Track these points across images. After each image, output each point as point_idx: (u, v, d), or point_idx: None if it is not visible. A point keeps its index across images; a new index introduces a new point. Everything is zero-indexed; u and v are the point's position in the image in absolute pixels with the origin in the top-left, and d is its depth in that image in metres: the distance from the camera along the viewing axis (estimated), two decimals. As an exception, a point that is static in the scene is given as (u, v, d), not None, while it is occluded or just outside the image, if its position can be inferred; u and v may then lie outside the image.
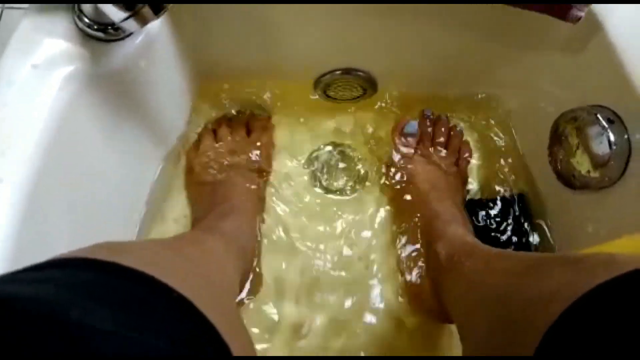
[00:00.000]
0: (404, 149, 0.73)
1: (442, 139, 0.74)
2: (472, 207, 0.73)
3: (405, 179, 0.72)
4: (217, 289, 0.41)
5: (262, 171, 0.72)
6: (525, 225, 0.71)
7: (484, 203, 0.73)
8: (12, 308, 0.22)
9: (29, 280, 0.26)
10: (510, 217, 0.72)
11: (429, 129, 0.75)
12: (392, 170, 0.74)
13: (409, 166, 0.72)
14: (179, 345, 0.26)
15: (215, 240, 0.55)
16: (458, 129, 0.77)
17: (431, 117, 0.76)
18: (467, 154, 0.75)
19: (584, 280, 0.30)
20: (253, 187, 0.70)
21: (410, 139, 0.74)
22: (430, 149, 0.74)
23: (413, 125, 0.74)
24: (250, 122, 0.75)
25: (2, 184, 0.41)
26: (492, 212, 0.72)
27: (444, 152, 0.74)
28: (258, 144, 0.73)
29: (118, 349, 0.23)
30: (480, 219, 0.72)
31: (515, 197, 0.73)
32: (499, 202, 0.73)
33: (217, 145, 0.72)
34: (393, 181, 0.73)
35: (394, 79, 0.75)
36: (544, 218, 0.70)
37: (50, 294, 0.24)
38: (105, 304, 0.25)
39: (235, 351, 0.30)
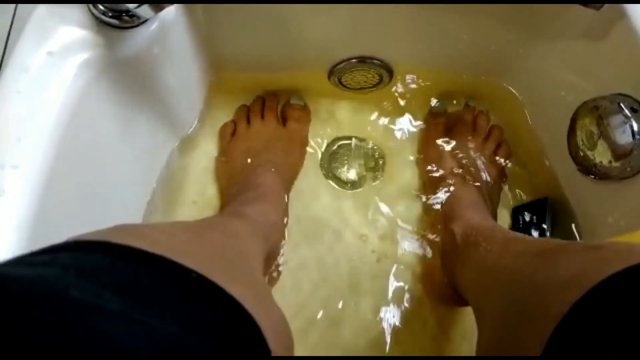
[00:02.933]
0: (433, 128, 0.74)
1: (481, 128, 0.74)
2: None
3: (433, 158, 0.72)
4: (242, 268, 0.40)
5: (293, 163, 0.72)
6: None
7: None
8: (7, 288, 0.22)
9: (37, 262, 0.26)
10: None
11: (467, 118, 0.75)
12: (423, 149, 0.74)
13: (440, 149, 0.72)
14: (191, 328, 0.25)
15: (240, 225, 0.54)
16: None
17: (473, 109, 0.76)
18: (506, 150, 0.74)
19: (600, 269, 0.30)
20: (282, 176, 0.69)
21: (438, 119, 0.74)
22: (467, 135, 0.73)
23: (439, 105, 0.76)
24: (287, 111, 0.75)
25: (18, 171, 0.41)
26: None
27: (480, 142, 0.73)
28: (293, 135, 0.73)
29: (119, 328, 0.22)
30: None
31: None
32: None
33: (251, 131, 0.72)
34: (426, 167, 0.73)
35: (409, 67, 0.74)
36: (566, 209, 0.68)
37: (55, 276, 0.24)
38: (113, 286, 0.25)
39: (265, 326, 0.29)
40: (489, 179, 0.71)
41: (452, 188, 0.68)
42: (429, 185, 0.72)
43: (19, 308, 0.21)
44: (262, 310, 0.30)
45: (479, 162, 0.71)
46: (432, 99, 0.77)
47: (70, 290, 0.23)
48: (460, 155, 0.71)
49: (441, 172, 0.70)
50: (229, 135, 0.73)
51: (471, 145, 0.72)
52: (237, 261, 0.41)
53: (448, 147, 0.72)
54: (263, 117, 0.73)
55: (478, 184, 0.69)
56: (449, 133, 0.73)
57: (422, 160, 0.74)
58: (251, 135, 0.72)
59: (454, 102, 0.77)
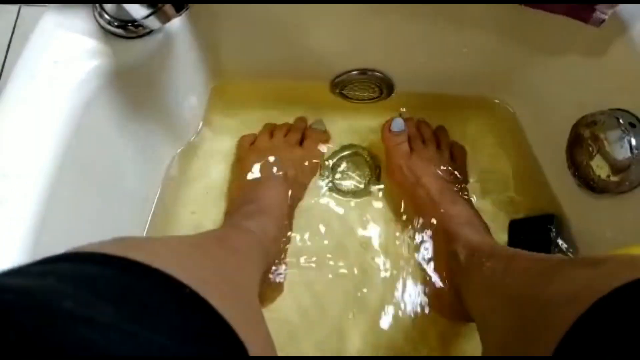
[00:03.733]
0: (398, 148, 0.72)
1: (431, 137, 0.74)
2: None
3: (410, 179, 0.70)
4: (237, 287, 0.40)
5: (302, 181, 0.72)
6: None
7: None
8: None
9: (34, 273, 0.26)
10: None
11: (414, 131, 0.74)
12: (395, 170, 0.72)
13: (411, 166, 0.71)
14: (181, 340, 0.25)
15: (241, 239, 0.54)
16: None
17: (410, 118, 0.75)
18: (460, 149, 0.74)
19: (603, 282, 0.30)
20: (288, 193, 0.69)
21: (400, 137, 0.72)
22: (424, 148, 0.72)
23: (398, 122, 0.71)
24: (306, 132, 0.76)
25: (22, 179, 0.42)
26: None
27: (436, 150, 0.72)
28: (307, 154, 0.73)
29: (110, 339, 0.22)
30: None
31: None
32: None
33: (272, 144, 0.72)
34: (400, 182, 0.73)
35: (409, 81, 0.74)
36: (565, 224, 0.69)
37: (49, 286, 0.24)
38: (107, 298, 0.25)
39: (252, 349, 0.30)
40: (463, 184, 0.71)
41: (440, 206, 0.67)
42: (413, 206, 0.71)
43: (7, 318, 0.21)
44: (249, 330, 0.30)
45: (450, 171, 0.71)
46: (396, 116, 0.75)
47: (64, 301, 0.23)
48: (434, 170, 0.70)
49: (422, 192, 0.69)
50: (247, 145, 0.74)
51: (434, 156, 0.72)
52: (235, 278, 0.42)
53: (422, 166, 0.71)
54: (286, 135, 0.74)
55: (464, 197, 0.69)
56: (411, 151, 0.72)
57: (398, 185, 0.73)
58: (271, 148, 0.72)
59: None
